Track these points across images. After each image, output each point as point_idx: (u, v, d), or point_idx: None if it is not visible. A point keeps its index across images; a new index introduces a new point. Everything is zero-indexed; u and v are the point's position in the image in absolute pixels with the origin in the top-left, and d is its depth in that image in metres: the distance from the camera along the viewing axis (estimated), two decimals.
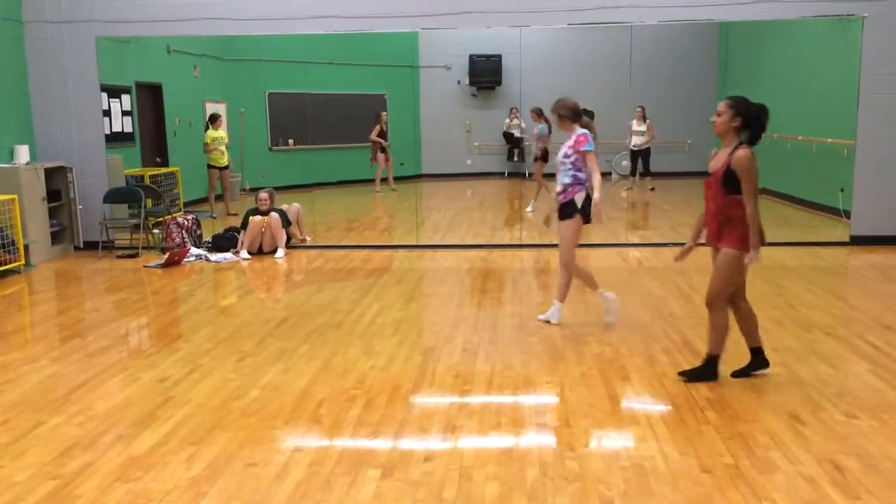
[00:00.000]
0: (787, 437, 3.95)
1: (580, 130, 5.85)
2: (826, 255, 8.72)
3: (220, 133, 12.90)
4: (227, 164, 13.03)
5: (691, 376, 4.77)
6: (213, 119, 12.87)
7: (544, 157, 12.93)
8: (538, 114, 13.10)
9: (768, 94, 12.57)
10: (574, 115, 5.87)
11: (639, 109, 15.14)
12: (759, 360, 4.84)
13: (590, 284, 6.07)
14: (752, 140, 4.55)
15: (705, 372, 4.75)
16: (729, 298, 4.73)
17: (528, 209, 12.64)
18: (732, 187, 4.51)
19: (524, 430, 4.14)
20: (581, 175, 5.78)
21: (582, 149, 5.74)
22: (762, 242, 4.53)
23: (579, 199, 5.77)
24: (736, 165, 4.48)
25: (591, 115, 10.75)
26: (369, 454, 3.87)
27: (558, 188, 5.87)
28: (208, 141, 12.79)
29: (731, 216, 4.55)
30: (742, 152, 4.48)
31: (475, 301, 6.97)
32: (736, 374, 4.80)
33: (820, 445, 3.84)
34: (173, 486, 3.55)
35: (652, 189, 15.17)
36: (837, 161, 10.74)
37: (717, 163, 4.66)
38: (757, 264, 4.59)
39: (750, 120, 4.54)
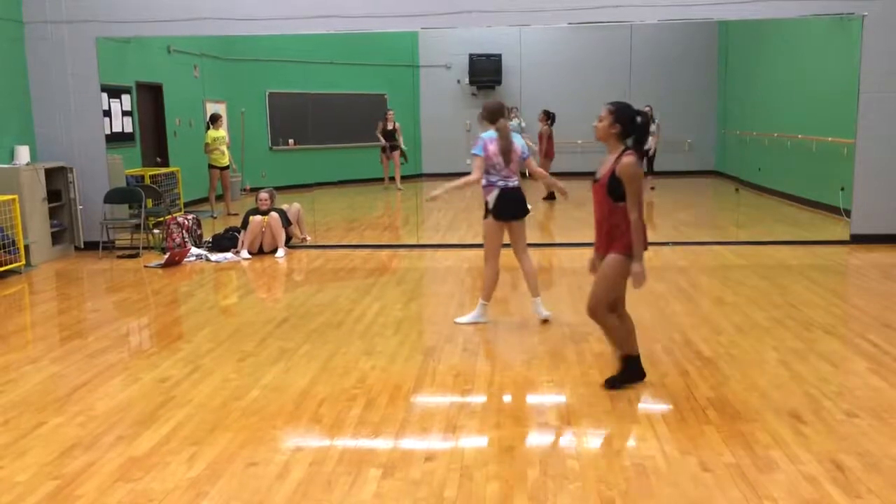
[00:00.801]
0: (787, 436, 3.95)
1: (483, 134, 5.93)
2: (826, 254, 8.72)
3: (221, 133, 12.90)
4: (227, 164, 13.03)
5: (615, 383, 4.65)
6: (214, 119, 12.87)
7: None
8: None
9: (768, 93, 12.58)
10: (488, 116, 5.93)
11: (647, 108, 15.11)
12: (632, 369, 4.68)
13: (486, 290, 6.15)
14: (638, 146, 4.49)
15: (628, 374, 4.67)
16: (602, 307, 4.62)
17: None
18: (618, 195, 4.41)
19: (525, 429, 4.14)
20: (491, 177, 5.88)
21: (471, 151, 5.91)
22: (629, 253, 4.47)
23: (491, 199, 5.91)
24: (620, 172, 4.37)
25: (552, 117, 11.12)
26: (370, 454, 3.87)
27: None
28: (209, 141, 12.79)
29: (617, 224, 4.45)
30: (626, 159, 4.38)
31: (476, 301, 6.96)
32: (610, 384, 4.66)
33: (821, 444, 3.84)
34: (174, 486, 3.55)
35: (652, 188, 15.16)
36: (837, 160, 10.74)
37: (603, 169, 4.54)
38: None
39: (629, 126, 4.45)
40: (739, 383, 4.71)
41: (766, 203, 13.30)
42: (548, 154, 14.82)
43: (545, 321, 6.10)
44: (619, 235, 4.46)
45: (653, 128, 14.94)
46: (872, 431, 3.99)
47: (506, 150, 5.85)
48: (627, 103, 4.54)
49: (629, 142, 4.48)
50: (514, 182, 5.94)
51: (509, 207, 5.93)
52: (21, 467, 3.77)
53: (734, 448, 3.82)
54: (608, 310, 4.57)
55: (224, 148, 12.93)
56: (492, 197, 5.91)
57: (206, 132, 12.88)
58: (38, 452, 3.93)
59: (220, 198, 13.28)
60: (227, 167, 13.04)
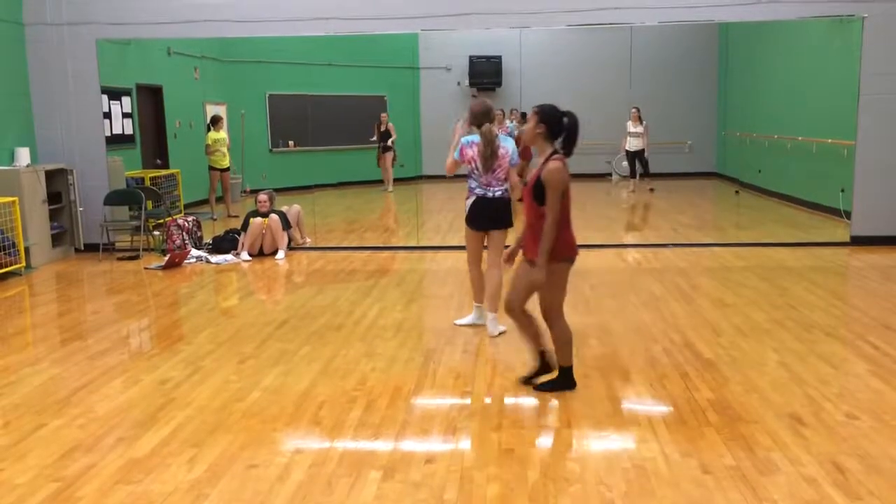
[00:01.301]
0: (788, 438, 3.95)
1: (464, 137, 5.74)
2: (827, 256, 8.72)
3: (222, 135, 12.91)
4: (228, 165, 13.04)
5: (546, 387, 4.65)
6: (215, 121, 12.87)
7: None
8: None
9: (768, 95, 12.61)
10: (473, 120, 5.71)
11: (634, 110, 15.11)
12: (568, 378, 4.68)
13: (475, 293, 6.03)
14: (567, 148, 4.43)
15: (559, 383, 4.64)
16: (518, 305, 4.66)
17: None
18: (543, 199, 4.37)
19: (525, 431, 4.14)
20: (471, 182, 5.75)
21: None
22: (566, 258, 4.48)
23: (466, 205, 5.81)
24: (545, 177, 4.35)
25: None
26: (370, 455, 3.87)
27: None
28: (210, 143, 12.79)
29: (542, 228, 4.39)
30: (552, 164, 4.35)
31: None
32: (539, 387, 4.68)
33: (821, 446, 3.84)
34: (174, 488, 3.55)
35: (651, 189, 15.18)
36: (838, 161, 10.75)
37: (533, 173, 4.51)
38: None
39: (555, 126, 4.41)
40: (740, 385, 4.71)
41: (767, 204, 13.31)
42: (524, 155, 14.85)
43: (500, 335, 5.78)
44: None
45: (640, 129, 14.93)
46: (873, 433, 3.99)
47: (487, 155, 5.58)
48: (553, 105, 4.48)
49: (558, 144, 4.43)
50: (495, 191, 5.67)
51: (483, 216, 5.74)
52: (21, 469, 3.77)
53: (734, 450, 3.82)
54: (520, 306, 4.67)
55: (224, 149, 12.93)
56: (468, 203, 5.78)
57: (207, 134, 12.88)
58: (38, 454, 3.93)
59: (220, 199, 13.29)
60: (228, 169, 13.04)
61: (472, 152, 5.64)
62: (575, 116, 4.43)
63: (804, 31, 12.42)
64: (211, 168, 12.84)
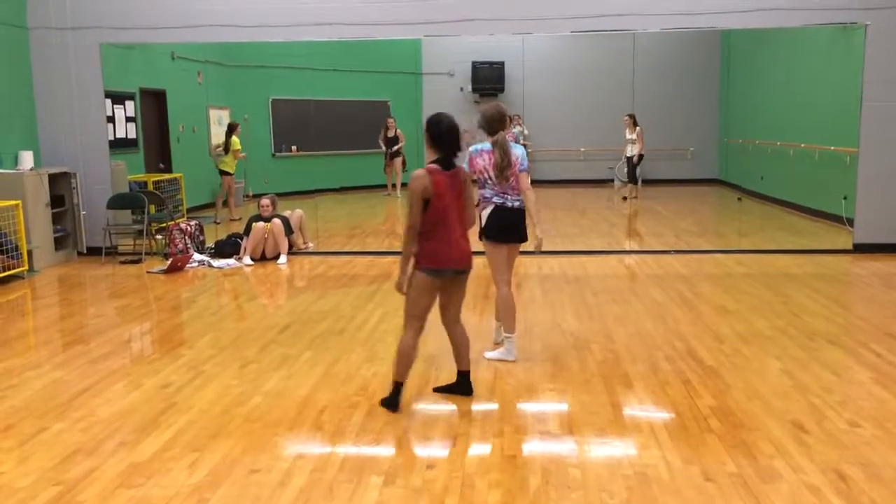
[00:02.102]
0: (790, 445, 3.94)
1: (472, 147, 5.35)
2: (829, 263, 8.71)
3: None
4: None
5: (383, 403, 4.53)
6: (235, 127, 13.00)
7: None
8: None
9: (770, 102, 12.62)
10: (486, 126, 5.27)
11: (626, 118, 15.08)
12: (464, 384, 4.70)
13: (506, 321, 5.45)
14: (444, 153, 4.32)
15: (391, 400, 4.48)
16: (443, 320, 4.65)
17: None
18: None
19: (527, 437, 4.13)
20: (486, 192, 5.29)
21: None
22: (425, 269, 4.34)
23: (484, 216, 5.29)
24: (409, 184, 4.35)
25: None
26: (372, 461, 3.86)
27: None
28: (238, 147, 12.92)
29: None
30: (415, 172, 4.32)
31: (477, 308, 6.97)
32: (437, 389, 4.78)
33: (823, 454, 3.83)
34: (175, 492, 3.55)
35: (634, 197, 14.94)
36: (840, 169, 10.75)
37: None
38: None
39: (433, 134, 4.38)
40: (742, 392, 4.70)
41: (769, 211, 13.30)
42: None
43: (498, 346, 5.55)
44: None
45: (633, 136, 14.90)
46: (875, 441, 3.98)
47: (503, 165, 5.16)
48: (438, 113, 4.45)
49: (439, 154, 4.36)
50: (514, 201, 5.26)
51: (505, 227, 5.28)
52: (23, 473, 3.77)
53: (736, 457, 3.81)
54: (445, 324, 4.69)
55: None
56: (485, 213, 5.26)
57: (231, 138, 12.95)
58: (40, 458, 3.93)
59: (223, 203, 13.31)
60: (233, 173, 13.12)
61: (482, 162, 5.21)
62: (446, 121, 4.35)
63: (806, 38, 12.43)
64: (225, 173, 12.87)
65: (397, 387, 4.49)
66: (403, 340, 4.48)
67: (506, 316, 5.44)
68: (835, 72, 11.35)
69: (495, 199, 5.27)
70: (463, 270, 4.51)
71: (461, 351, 4.71)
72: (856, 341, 5.74)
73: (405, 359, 4.48)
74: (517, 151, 5.29)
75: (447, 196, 4.31)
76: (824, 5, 8.89)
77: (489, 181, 5.24)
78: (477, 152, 5.26)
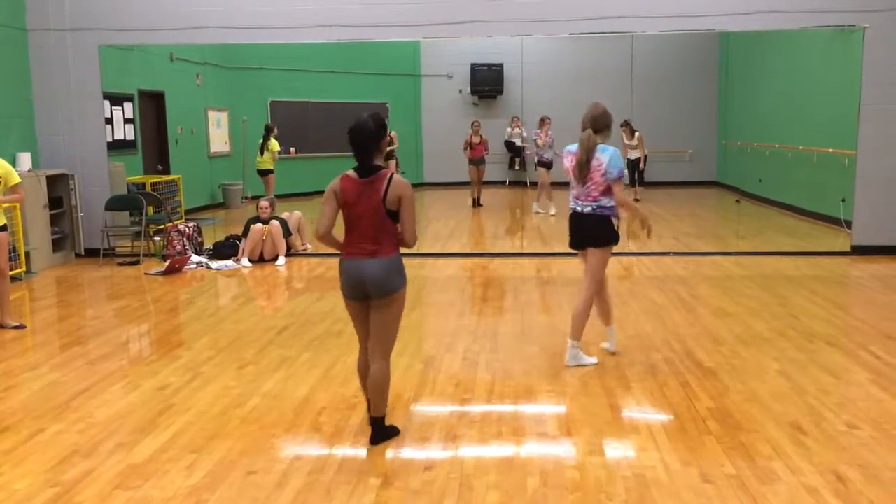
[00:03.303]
0: (789, 447, 3.94)
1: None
2: (827, 265, 8.72)
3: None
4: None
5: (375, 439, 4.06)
6: (272, 129, 13.72)
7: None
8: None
9: (769, 104, 12.59)
10: (593, 123, 5.08)
11: (622, 127, 15.15)
12: (373, 431, 4.07)
13: (603, 315, 5.50)
14: (358, 163, 3.95)
15: (388, 431, 4.09)
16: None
17: None
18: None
19: (525, 439, 4.13)
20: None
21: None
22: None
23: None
24: None
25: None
26: (370, 463, 3.86)
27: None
28: (277, 148, 13.61)
29: None
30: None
31: (476, 310, 6.97)
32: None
33: (822, 456, 3.83)
34: (173, 493, 3.54)
35: (635, 199, 14.97)
36: (838, 171, 10.75)
37: None
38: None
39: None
40: (740, 394, 4.70)
41: (767, 214, 13.31)
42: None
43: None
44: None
45: (633, 141, 14.96)
46: (873, 443, 3.98)
47: (582, 162, 4.99)
48: (360, 115, 4.01)
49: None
50: (584, 207, 5.09)
51: (573, 232, 5.23)
52: (20, 474, 3.76)
53: (735, 459, 3.81)
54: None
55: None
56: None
57: (270, 140, 13.58)
58: (37, 459, 3.93)
59: (220, 204, 13.33)
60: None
61: (567, 163, 5.12)
62: (355, 123, 3.94)
63: (805, 40, 12.44)
64: (267, 171, 13.53)
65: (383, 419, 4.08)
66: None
67: (574, 321, 5.26)
68: (833, 74, 11.35)
69: (570, 204, 5.22)
70: (355, 297, 3.98)
71: (369, 393, 4.04)
72: (854, 343, 5.74)
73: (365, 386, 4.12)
74: (603, 157, 5.00)
75: (358, 206, 3.87)
76: (823, 8, 8.91)
77: (572, 183, 5.15)
78: (567, 152, 5.16)
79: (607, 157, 4.99)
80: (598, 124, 5.05)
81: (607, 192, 5.03)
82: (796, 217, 12.52)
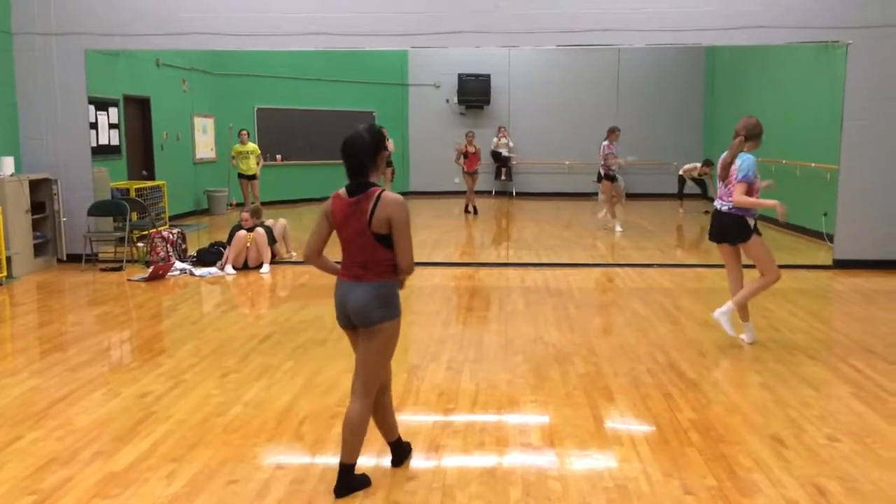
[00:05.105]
0: (770, 459, 3.95)
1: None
2: (809, 279, 8.78)
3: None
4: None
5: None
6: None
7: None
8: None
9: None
10: (748, 133, 5.86)
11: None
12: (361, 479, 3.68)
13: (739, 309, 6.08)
14: (350, 181, 3.55)
15: (357, 482, 3.65)
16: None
17: None
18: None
19: (508, 449, 4.12)
20: None
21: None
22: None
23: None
24: None
25: None
26: None
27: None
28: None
29: None
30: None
31: (461, 319, 6.96)
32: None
33: (802, 468, 3.85)
34: (153, 502, 3.51)
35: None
36: (821, 185, 10.85)
37: None
38: None
39: None
40: (722, 406, 4.72)
41: None
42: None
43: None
44: None
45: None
46: (854, 456, 4.00)
47: (723, 164, 5.78)
48: (355, 129, 3.58)
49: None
50: (723, 206, 5.83)
51: (711, 228, 6.01)
52: None
53: (716, 471, 3.82)
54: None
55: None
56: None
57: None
58: (14, 467, 3.88)
59: (205, 211, 13.26)
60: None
61: (718, 167, 5.88)
62: (346, 139, 3.52)
63: (789, 55, 12.57)
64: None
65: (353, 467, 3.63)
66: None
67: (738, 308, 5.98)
68: (816, 90, 11.47)
69: (714, 202, 5.96)
70: (343, 324, 3.62)
71: (343, 433, 3.60)
72: (835, 356, 5.78)
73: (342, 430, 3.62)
74: (739, 161, 5.69)
75: (345, 228, 3.52)
76: (807, 24, 9.02)
77: (717, 184, 5.87)
78: (721, 159, 5.87)
79: (740, 162, 5.69)
80: (751, 133, 5.79)
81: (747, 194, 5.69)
82: (779, 230, 12.59)
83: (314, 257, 3.67)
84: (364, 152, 3.50)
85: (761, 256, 5.96)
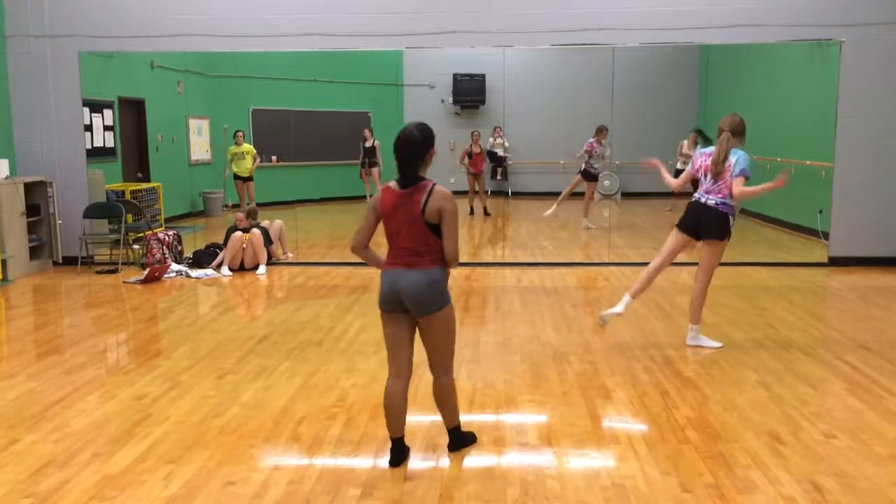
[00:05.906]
0: (766, 456, 3.96)
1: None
2: (805, 276, 8.81)
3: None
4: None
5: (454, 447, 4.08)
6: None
7: None
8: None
9: (747, 116, 12.70)
10: (736, 129, 5.83)
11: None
12: (452, 441, 4.10)
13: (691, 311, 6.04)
14: (400, 174, 3.79)
15: (467, 439, 4.13)
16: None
17: None
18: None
19: (505, 448, 4.13)
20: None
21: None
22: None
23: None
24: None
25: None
26: (349, 473, 3.84)
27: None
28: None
29: None
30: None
31: (458, 319, 6.95)
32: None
33: (799, 465, 3.86)
34: None
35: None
36: (816, 183, 10.87)
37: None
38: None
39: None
40: (719, 404, 4.73)
41: (746, 225, 13.40)
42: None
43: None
44: None
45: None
46: (850, 452, 4.02)
47: (715, 161, 5.73)
48: (408, 125, 3.83)
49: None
50: (709, 200, 5.78)
51: (690, 219, 5.95)
52: None
53: (714, 468, 3.83)
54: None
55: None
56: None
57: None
58: (11, 470, 3.87)
59: (201, 213, 13.25)
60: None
61: (701, 161, 5.86)
62: (400, 134, 3.77)
63: (783, 53, 12.60)
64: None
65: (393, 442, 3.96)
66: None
67: (692, 307, 6.01)
68: (811, 87, 11.50)
69: (695, 195, 5.92)
70: (390, 309, 3.83)
71: (438, 407, 4.06)
72: (831, 353, 5.80)
73: (384, 409, 3.93)
74: (733, 158, 5.72)
75: (394, 218, 3.76)
76: (801, 22, 9.04)
77: (703, 179, 5.83)
78: (701, 154, 5.92)
79: (735, 158, 5.71)
80: (736, 129, 5.79)
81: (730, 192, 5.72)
82: (775, 228, 12.64)
83: (360, 249, 3.93)
84: (415, 148, 3.75)
85: (714, 261, 5.93)
